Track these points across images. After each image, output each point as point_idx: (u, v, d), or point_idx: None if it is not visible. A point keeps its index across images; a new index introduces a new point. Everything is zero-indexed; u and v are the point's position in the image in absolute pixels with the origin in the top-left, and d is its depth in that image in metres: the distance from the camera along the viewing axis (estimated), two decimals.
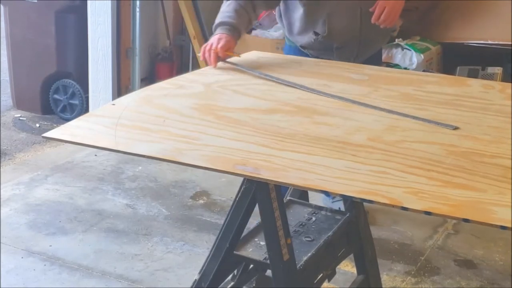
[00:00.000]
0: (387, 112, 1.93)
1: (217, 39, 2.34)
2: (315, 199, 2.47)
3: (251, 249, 1.98)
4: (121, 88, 4.62)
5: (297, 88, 2.12)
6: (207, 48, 2.32)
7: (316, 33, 2.68)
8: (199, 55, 2.38)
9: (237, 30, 2.41)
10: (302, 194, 2.37)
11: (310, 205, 2.27)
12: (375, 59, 2.87)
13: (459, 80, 2.69)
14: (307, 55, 2.76)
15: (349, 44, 2.71)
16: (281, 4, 2.74)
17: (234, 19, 2.41)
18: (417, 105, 2.00)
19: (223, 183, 3.79)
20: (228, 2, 2.48)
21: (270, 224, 1.83)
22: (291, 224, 2.11)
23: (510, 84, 2.23)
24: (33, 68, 4.76)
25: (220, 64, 2.32)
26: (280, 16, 2.80)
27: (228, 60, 2.36)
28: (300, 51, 2.79)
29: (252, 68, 2.29)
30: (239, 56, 2.40)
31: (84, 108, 4.68)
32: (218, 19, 2.43)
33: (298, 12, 2.68)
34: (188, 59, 5.11)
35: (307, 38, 2.72)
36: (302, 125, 1.82)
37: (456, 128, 1.81)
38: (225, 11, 2.45)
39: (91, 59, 4.56)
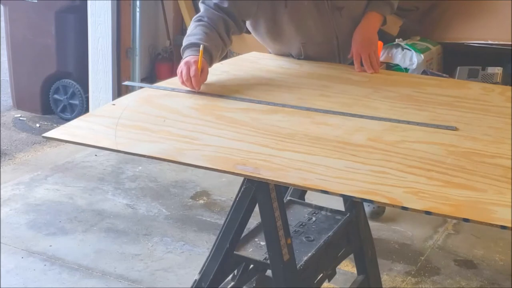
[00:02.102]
0: (382, 120, 1.93)
1: (187, 63, 2.09)
2: (314, 199, 2.47)
3: (251, 249, 1.98)
4: (121, 88, 4.62)
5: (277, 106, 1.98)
6: (185, 78, 2.06)
7: (291, 55, 2.54)
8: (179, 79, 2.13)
9: (209, 53, 2.16)
10: (302, 194, 2.38)
11: (310, 205, 2.28)
12: None
13: (459, 83, 2.69)
14: None
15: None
16: (250, 26, 2.50)
17: (204, 40, 2.16)
18: (417, 106, 2.00)
19: (223, 183, 3.79)
20: (196, 23, 2.25)
21: (270, 224, 1.84)
22: (291, 224, 2.11)
23: (509, 87, 2.24)
24: (33, 68, 4.76)
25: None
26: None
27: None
28: None
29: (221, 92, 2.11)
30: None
31: (84, 108, 4.68)
32: (188, 40, 2.18)
33: (272, 38, 2.50)
34: None
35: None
36: (302, 125, 1.82)
37: (456, 128, 1.82)
38: (196, 33, 2.20)
39: (91, 59, 4.56)
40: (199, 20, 2.27)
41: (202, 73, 2.08)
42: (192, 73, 2.05)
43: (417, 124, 1.85)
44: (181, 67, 2.10)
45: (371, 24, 2.48)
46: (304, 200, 2.36)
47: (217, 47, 2.23)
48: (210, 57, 2.17)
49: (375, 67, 2.41)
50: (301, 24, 2.41)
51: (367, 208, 3.37)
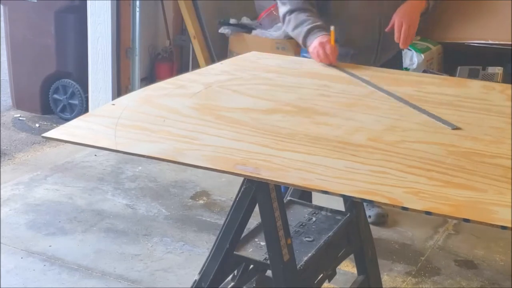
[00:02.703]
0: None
1: (322, 43, 2.41)
2: (315, 199, 2.47)
3: (251, 249, 1.98)
4: (121, 88, 4.62)
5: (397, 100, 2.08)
6: (322, 57, 2.40)
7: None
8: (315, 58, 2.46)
9: (324, 28, 2.50)
10: (303, 194, 2.37)
11: (310, 205, 2.27)
12: (393, 63, 2.88)
13: (460, 81, 2.69)
14: None
15: (366, 52, 2.72)
16: None
17: (316, 22, 2.52)
18: (418, 106, 2.00)
19: (223, 183, 3.78)
20: (294, 14, 2.56)
21: (270, 224, 1.83)
22: (291, 224, 2.11)
23: (510, 85, 2.24)
24: (33, 68, 4.76)
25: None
26: None
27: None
28: None
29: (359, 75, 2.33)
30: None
31: (84, 108, 4.68)
32: (304, 28, 2.51)
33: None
34: (188, 59, 5.11)
35: None
36: (302, 125, 1.82)
37: (456, 128, 1.81)
38: (304, 20, 2.53)
39: (91, 59, 4.56)
40: (292, 12, 2.57)
41: (335, 48, 2.40)
42: (328, 50, 2.39)
43: (421, 110, 1.85)
44: (316, 47, 2.42)
45: (415, 3, 2.62)
46: (308, 199, 2.35)
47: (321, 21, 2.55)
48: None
49: (408, 41, 2.54)
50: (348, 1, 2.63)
51: (373, 211, 3.36)
